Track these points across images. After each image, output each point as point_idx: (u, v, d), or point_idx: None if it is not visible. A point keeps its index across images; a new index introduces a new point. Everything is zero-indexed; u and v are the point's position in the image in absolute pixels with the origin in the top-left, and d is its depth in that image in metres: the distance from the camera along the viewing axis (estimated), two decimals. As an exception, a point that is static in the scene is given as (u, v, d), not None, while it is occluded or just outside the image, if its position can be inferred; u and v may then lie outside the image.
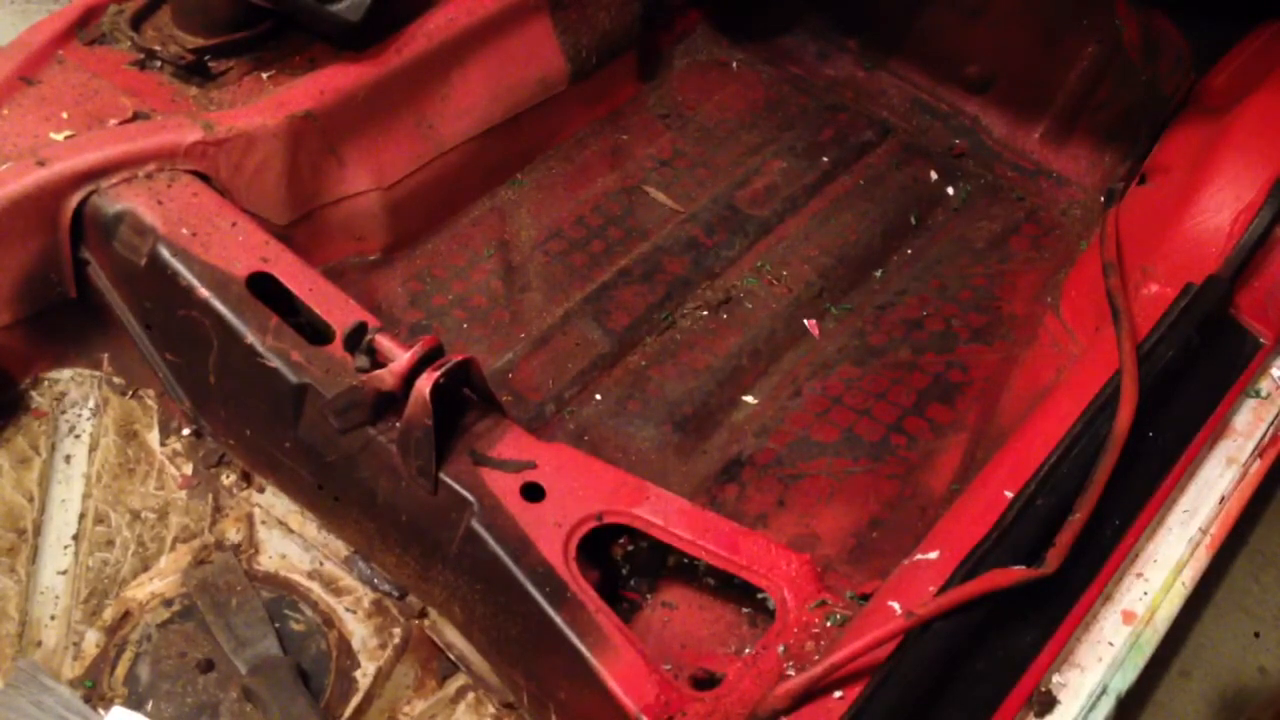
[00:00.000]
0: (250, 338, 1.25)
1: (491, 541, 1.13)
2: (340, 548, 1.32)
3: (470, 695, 1.23)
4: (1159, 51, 1.80)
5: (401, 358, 1.16)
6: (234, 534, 1.32)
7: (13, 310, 1.35)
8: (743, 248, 1.69)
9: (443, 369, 1.14)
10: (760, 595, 1.14)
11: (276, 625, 1.24)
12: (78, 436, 1.38)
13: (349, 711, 1.20)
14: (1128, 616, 1.15)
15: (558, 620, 1.08)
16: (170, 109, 1.42)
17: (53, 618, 1.25)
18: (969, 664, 1.06)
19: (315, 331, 1.27)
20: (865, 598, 1.11)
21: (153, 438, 1.39)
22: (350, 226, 1.57)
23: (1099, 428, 1.18)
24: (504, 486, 1.15)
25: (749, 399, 1.52)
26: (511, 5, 1.65)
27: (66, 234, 1.34)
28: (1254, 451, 1.30)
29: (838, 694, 1.01)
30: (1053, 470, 1.16)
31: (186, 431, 1.40)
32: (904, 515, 1.39)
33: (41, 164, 1.31)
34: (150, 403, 1.42)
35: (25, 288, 1.35)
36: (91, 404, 1.41)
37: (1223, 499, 1.26)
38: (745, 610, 1.18)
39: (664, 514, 1.15)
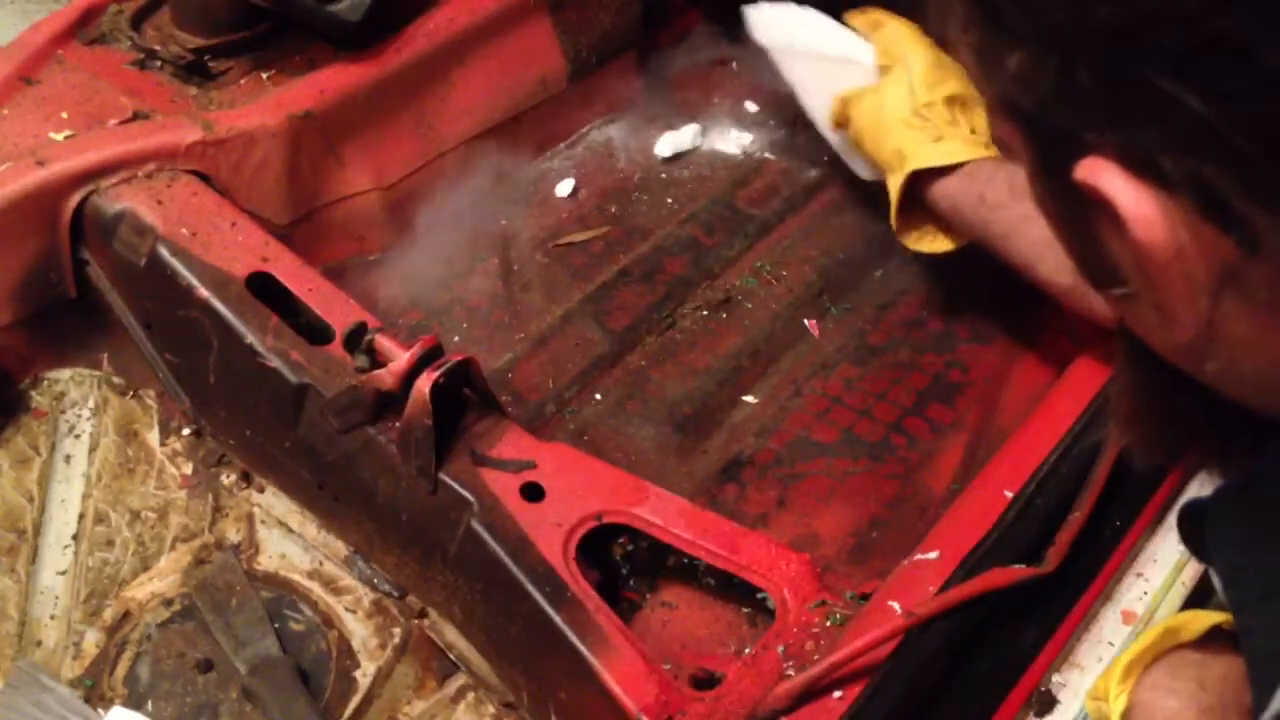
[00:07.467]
0: (250, 338, 1.25)
1: (491, 541, 1.13)
2: (340, 548, 1.32)
3: (470, 695, 1.22)
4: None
5: (401, 358, 1.16)
6: (234, 534, 1.32)
7: (13, 310, 1.35)
8: (743, 248, 1.69)
9: (442, 369, 1.13)
10: (760, 595, 1.14)
11: (276, 625, 1.24)
12: (78, 436, 1.38)
13: (349, 711, 1.20)
14: (1128, 616, 1.15)
15: (558, 620, 1.08)
16: (170, 109, 1.42)
17: (53, 618, 1.25)
18: (969, 664, 1.06)
19: (315, 331, 1.27)
20: (865, 598, 1.11)
21: (153, 438, 1.39)
22: (350, 226, 1.57)
23: (1099, 427, 1.18)
24: (504, 486, 1.15)
25: (749, 399, 1.52)
26: (511, 5, 1.65)
27: (66, 234, 1.33)
28: (1254, 451, 1.30)
29: (838, 694, 1.01)
30: (1053, 470, 1.16)
31: (186, 431, 1.40)
32: (904, 515, 1.39)
33: (41, 164, 1.31)
34: (150, 403, 1.42)
35: (25, 288, 1.35)
36: (91, 404, 1.41)
37: (1223, 499, 1.25)
38: (745, 610, 1.18)
39: (664, 514, 1.15)
